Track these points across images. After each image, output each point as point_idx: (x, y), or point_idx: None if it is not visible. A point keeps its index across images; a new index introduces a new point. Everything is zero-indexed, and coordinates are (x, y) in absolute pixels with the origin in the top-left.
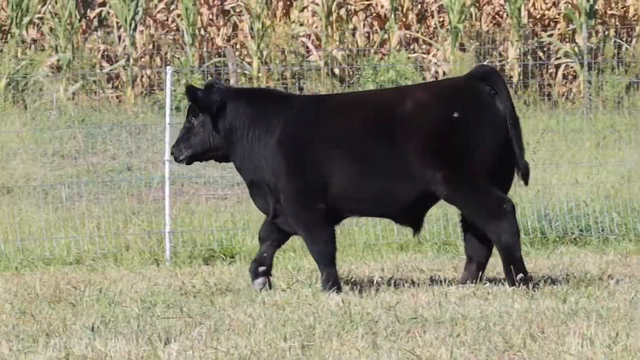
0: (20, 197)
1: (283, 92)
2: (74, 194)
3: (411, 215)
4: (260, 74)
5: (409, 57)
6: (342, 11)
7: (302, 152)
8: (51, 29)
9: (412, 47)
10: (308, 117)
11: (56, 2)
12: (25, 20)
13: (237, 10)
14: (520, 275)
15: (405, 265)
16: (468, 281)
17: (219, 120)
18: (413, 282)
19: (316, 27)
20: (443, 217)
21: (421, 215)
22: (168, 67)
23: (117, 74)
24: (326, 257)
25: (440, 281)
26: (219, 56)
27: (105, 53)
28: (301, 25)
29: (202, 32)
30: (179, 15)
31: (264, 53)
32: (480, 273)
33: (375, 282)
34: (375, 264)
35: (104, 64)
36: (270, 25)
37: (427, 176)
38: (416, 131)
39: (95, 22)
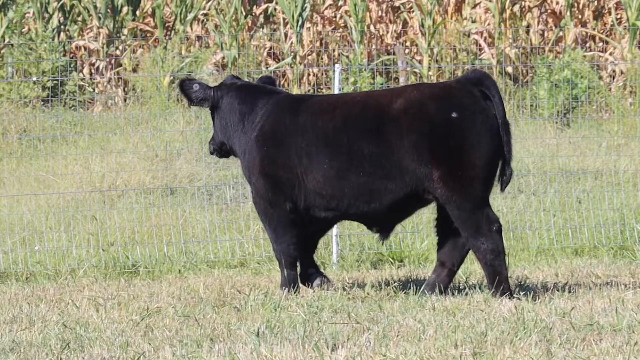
0: (184, 198)
1: (274, 89)
2: (238, 195)
3: (388, 218)
4: (430, 73)
5: (584, 56)
6: (516, 8)
7: (275, 149)
8: (216, 26)
9: (588, 45)
10: (287, 116)
11: None
12: (190, 16)
13: (408, 6)
14: (504, 291)
15: (580, 271)
16: (435, 287)
17: (220, 115)
18: (588, 288)
19: (489, 24)
20: (620, 221)
21: (396, 220)
22: (336, 65)
23: (283, 72)
24: (287, 259)
25: (617, 287)
26: (388, 54)
27: (271, 50)
28: (473, 22)
29: (371, 29)
30: (347, 12)
31: (435, 51)
32: (450, 279)
33: (549, 287)
34: (549, 269)
35: (270, 61)
36: (441, 22)
37: (422, 174)
38: (411, 129)
39: (261, 19)
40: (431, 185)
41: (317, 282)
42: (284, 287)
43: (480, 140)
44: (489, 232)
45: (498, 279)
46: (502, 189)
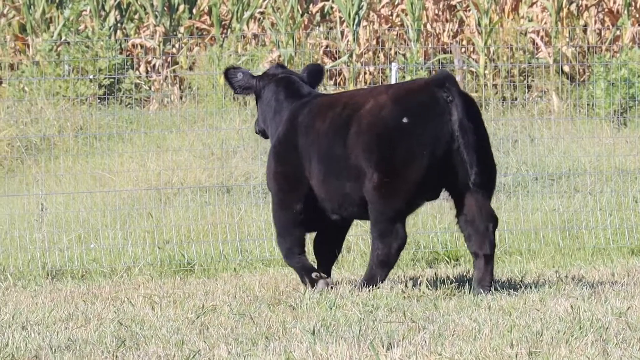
0: (240, 196)
1: (305, 90)
2: None
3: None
4: (487, 71)
5: None
6: (573, 7)
7: (287, 152)
8: (272, 24)
9: None
10: (298, 117)
11: None
12: (246, 14)
13: (464, 5)
14: (363, 287)
15: (637, 270)
16: (485, 278)
17: (260, 105)
18: None
19: (545, 23)
20: None
21: None
22: (393, 64)
23: (339, 71)
24: (289, 255)
25: None
26: (445, 53)
27: (328, 49)
28: (530, 21)
29: (428, 27)
30: (403, 10)
31: (491, 50)
32: (491, 266)
33: (605, 287)
34: (605, 269)
35: (326, 60)
36: (498, 21)
37: (367, 174)
38: (367, 130)
39: (318, 17)
40: (367, 185)
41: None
42: (300, 275)
43: (421, 155)
44: (389, 245)
45: (368, 281)
46: (475, 190)
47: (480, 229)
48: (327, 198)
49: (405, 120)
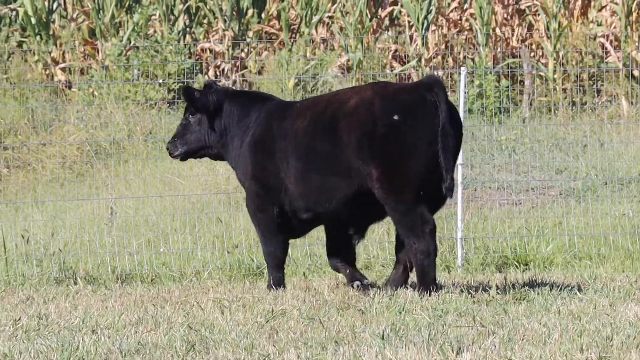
0: None
1: (268, 96)
2: None
3: (356, 219)
4: (556, 76)
5: None
6: None
7: (265, 154)
8: (341, 29)
9: None
10: (274, 121)
11: (346, 1)
12: (315, 19)
13: (533, 9)
14: (426, 291)
15: None
16: (398, 284)
17: (215, 120)
18: None
19: (615, 27)
20: None
21: (367, 221)
22: (462, 68)
23: (408, 75)
24: (274, 261)
25: None
26: (514, 57)
27: (397, 53)
28: (599, 25)
29: (497, 31)
30: (472, 15)
31: (560, 54)
32: (405, 276)
33: None
34: None
35: (395, 64)
36: (567, 25)
37: (364, 173)
38: (357, 128)
39: (387, 22)
40: (371, 185)
41: (357, 283)
42: (270, 289)
43: (418, 146)
44: (421, 233)
45: (425, 279)
46: (447, 196)
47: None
48: (302, 194)
49: (396, 117)
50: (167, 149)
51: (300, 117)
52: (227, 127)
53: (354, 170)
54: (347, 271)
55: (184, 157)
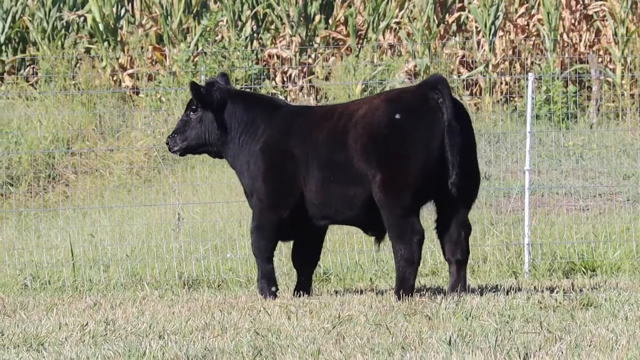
0: None
1: (276, 100)
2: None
3: (372, 222)
4: (623, 81)
5: None
6: None
7: (279, 160)
8: (408, 34)
9: None
10: (287, 128)
11: (414, 7)
12: (382, 24)
13: (601, 14)
14: (402, 298)
15: None
16: (458, 283)
17: (217, 118)
18: None
19: None
20: None
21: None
22: (529, 74)
23: (475, 81)
24: (264, 254)
25: None
26: (581, 62)
27: (464, 59)
28: None
29: (564, 37)
30: (540, 20)
31: (628, 59)
32: (463, 271)
33: None
34: None
35: (462, 70)
36: (635, 31)
37: (370, 177)
38: (363, 133)
39: (454, 27)
40: (373, 188)
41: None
42: (261, 281)
43: (418, 149)
44: (409, 242)
45: (404, 285)
46: (452, 191)
47: (454, 237)
48: (323, 202)
49: (397, 116)
50: (167, 143)
51: (318, 126)
52: (229, 126)
53: (365, 177)
54: (301, 278)
55: (182, 153)
